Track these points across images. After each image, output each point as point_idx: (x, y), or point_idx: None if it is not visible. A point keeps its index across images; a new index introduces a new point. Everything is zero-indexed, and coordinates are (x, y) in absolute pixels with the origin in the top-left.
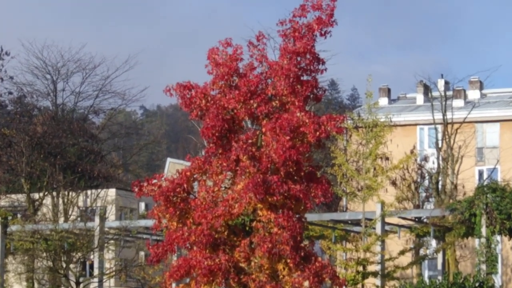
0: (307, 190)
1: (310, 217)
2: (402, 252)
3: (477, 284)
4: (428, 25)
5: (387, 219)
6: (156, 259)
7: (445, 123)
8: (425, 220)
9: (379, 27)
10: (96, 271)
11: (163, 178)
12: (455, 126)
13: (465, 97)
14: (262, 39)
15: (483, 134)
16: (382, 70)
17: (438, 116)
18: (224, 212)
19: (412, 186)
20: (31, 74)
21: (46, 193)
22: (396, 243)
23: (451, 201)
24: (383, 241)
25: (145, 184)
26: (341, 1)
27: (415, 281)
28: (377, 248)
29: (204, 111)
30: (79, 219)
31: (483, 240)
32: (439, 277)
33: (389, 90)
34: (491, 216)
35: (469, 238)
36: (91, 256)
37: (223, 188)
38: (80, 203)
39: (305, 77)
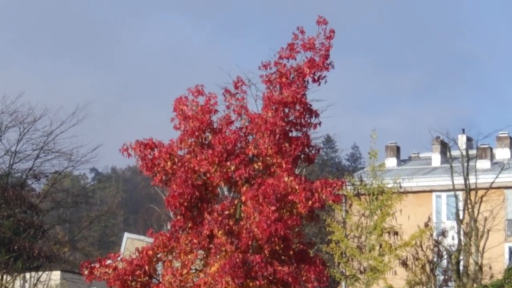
0: (297, 273)
1: None
2: None
3: None
4: (447, 68)
5: None
6: None
7: (468, 189)
8: None
9: (386, 70)
10: None
11: (119, 258)
12: (480, 192)
13: (492, 157)
14: (241, 86)
15: None
16: (390, 124)
17: (459, 180)
18: None
19: (427, 267)
20: None
21: None
22: None
23: (475, 285)
24: None
25: (97, 265)
26: (338, 38)
27: None
28: None
29: (170, 175)
30: None
31: None
32: None
33: (398, 148)
34: None
35: None
36: None
37: (194, 271)
38: None
39: (294, 133)
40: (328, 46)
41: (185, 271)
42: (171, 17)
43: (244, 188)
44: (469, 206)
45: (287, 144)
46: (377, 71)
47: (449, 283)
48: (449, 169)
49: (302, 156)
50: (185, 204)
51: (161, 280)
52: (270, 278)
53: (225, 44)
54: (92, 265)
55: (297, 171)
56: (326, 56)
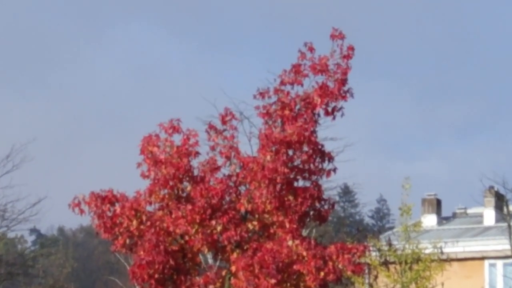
0: None
1: None
2: None
3: None
4: (505, 99)
5: None
6: None
7: None
8: None
9: (425, 100)
10: None
11: None
12: None
13: None
14: (230, 121)
15: None
16: (429, 170)
17: None
18: None
19: None
20: None
21: None
22: None
23: None
24: None
25: None
26: (360, 57)
27: None
28: None
29: (136, 238)
30: None
31: None
32: None
33: (439, 202)
34: None
35: None
36: None
37: None
38: None
39: (301, 183)
40: (345, 68)
41: None
42: (139, 27)
43: (235, 255)
44: None
45: (291, 197)
46: (413, 101)
47: None
48: (506, 230)
49: (312, 212)
50: (156, 276)
51: None
52: None
53: (210, 64)
54: None
55: (304, 233)
56: (343, 81)
